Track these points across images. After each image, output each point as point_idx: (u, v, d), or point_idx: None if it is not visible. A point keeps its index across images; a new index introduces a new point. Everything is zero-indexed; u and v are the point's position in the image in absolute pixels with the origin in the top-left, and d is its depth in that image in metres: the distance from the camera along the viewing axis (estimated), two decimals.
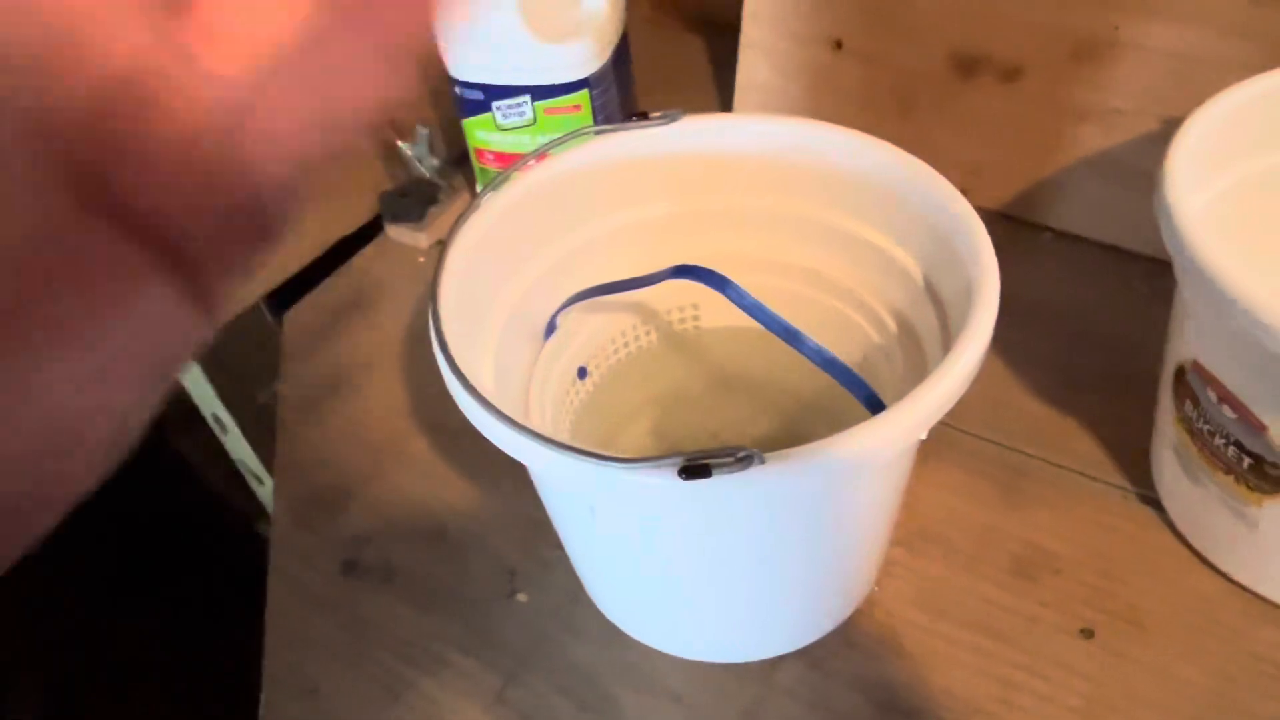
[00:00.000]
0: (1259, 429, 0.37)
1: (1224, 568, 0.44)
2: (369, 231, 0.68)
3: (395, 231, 0.67)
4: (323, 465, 0.54)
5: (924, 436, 0.36)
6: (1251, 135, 0.43)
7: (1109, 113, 0.58)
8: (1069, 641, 0.43)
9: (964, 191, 0.38)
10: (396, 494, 0.52)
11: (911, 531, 0.47)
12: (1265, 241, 0.44)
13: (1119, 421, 0.51)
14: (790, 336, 0.37)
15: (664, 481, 0.29)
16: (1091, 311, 0.57)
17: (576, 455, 0.30)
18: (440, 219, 0.66)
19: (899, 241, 0.41)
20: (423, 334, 0.60)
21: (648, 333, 0.48)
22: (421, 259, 0.66)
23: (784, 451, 0.30)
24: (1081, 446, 0.50)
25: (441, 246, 0.39)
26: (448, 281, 0.37)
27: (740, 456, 0.29)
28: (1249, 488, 0.39)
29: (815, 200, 0.43)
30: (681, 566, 0.38)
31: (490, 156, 0.63)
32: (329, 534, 0.51)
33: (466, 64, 0.59)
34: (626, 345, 0.47)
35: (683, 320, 0.48)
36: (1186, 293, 0.39)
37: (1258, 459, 0.38)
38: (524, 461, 0.33)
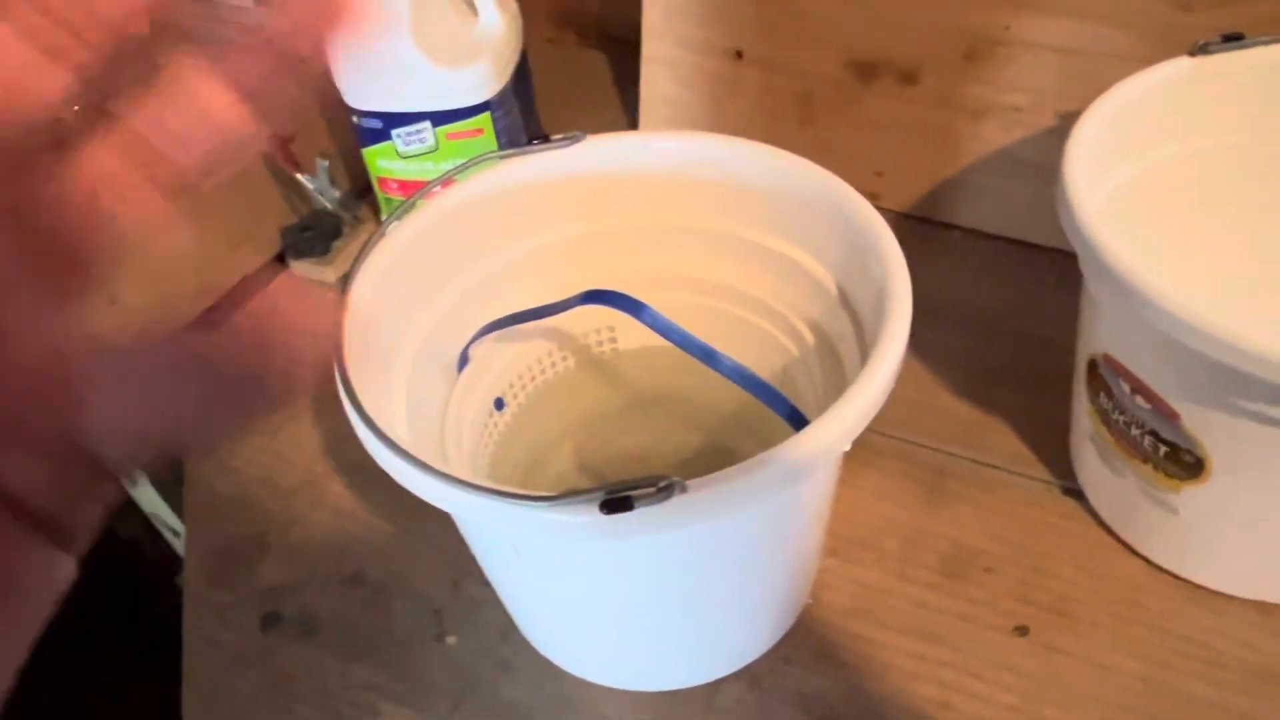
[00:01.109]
0: (1172, 418, 0.38)
1: (1148, 554, 0.44)
2: (273, 269, 0.66)
3: (300, 267, 0.65)
4: (236, 515, 0.52)
5: (847, 448, 0.35)
6: (1147, 127, 0.43)
7: (1007, 110, 0.59)
8: (1003, 639, 0.43)
9: (871, 194, 0.38)
10: (315, 540, 0.50)
11: (842, 540, 0.47)
12: (1166, 230, 0.44)
13: (1037, 415, 0.51)
14: (707, 357, 0.36)
15: (586, 518, 0.28)
16: (1003, 306, 0.58)
17: (493, 496, 0.29)
18: (346, 252, 0.64)
19: (811, 252, 0.41)
20: (333, 372, 0.58)
21: (564, 358, 0.47)
22: (330, 294, 0.64)
23: (706, 478, 0.29)
24: (1002, 442, 0.51)
25: (345, 281, 0.37)
26: (352, 318, 0.36)
27: (662, 486, 0.29)
28: (1167, 475, 0.40)
29: (726, 215, 0.42)
30: (611, 598, 0.37)
31: (394, 185, 0.61)
32: (246, 587, 0.49)
33: (363, 92, 0.57)
34: (543, 372, 0.46)
35: (599, 343, 0.47)
36: (1093, 288, 0.40)
37: (1173, 447, 0.39)
38: (439, 506, 0.31)
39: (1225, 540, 0.41)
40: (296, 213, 0.66)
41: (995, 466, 0.50)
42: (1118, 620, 0.44)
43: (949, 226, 0.63)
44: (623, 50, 0.76)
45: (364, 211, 0.67)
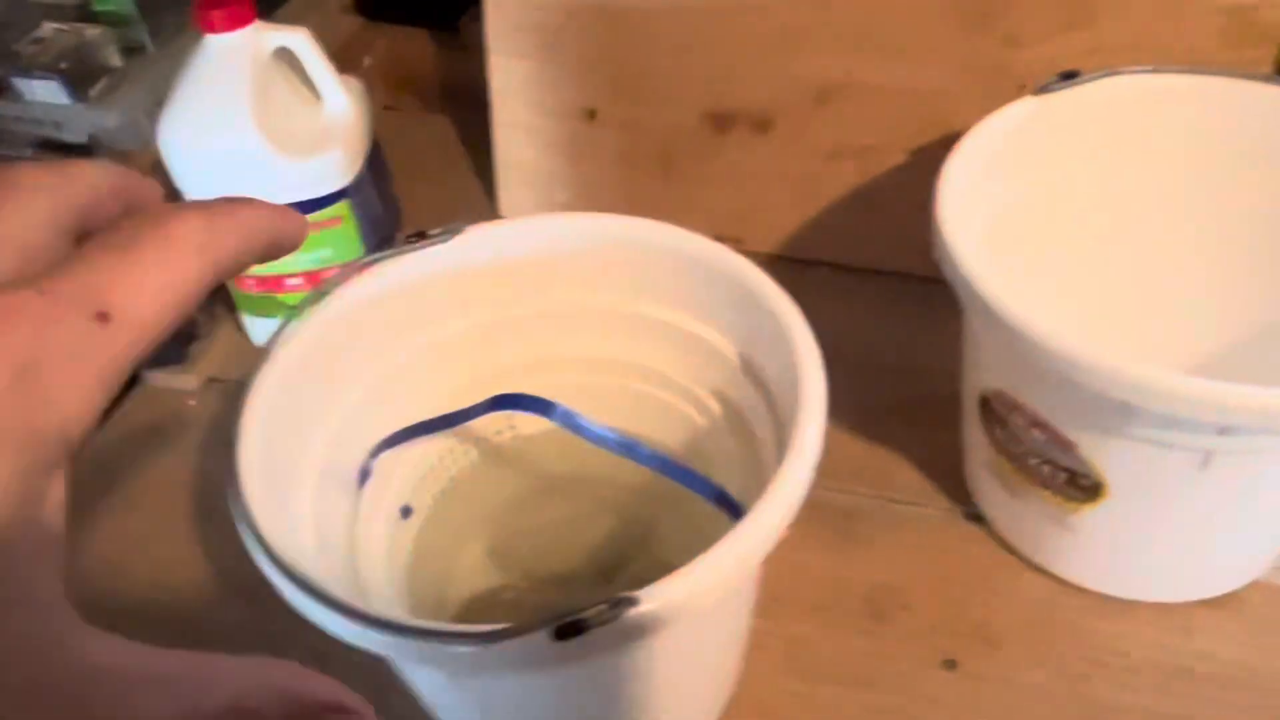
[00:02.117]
0: (1069, 447, 0.39)
1: (1054, 571, 0.46)
2: (125, 384, 0.61)
3: (156, 377, 0.61)
4: None
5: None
6: (1004, 167, 0.45)
7: (860, 150, 0.60)
8: (933, 674, 0.44)
9: (735, 239, 0.39)
10: None
11: (766, 597, 0.47)
12: (1027, 264, 0.46)
13: (930, 444, 0.53)
14: (626, 449, 0.36)
15: (540, 650, 0.27)
16: (877, 338, 0.60)
17: (436, 640, 0.28)
18: (206, 355, 0.61)
19: (708, 323, 0.41)
20: (209, 489, 0.55)
21: (466, 453, 0.45)
22: (192, 402, 0.60)
23: (655, 588, 0.29)
24: (901, 476, 0.52)
25: (231, 392, 0.35)
26: (246, 441, 0.34)
27: (614, 603, 0.28)
28: (1066, 499, 0.42)
29: (617, 291, 0.42)
30: (553, 715, 0.36)
31: (251, 281, 0.58)
32: None
33: (208, 190, 0.54)
34: (446, 470, 0.45)
35: (499, 432, 0.46)
36: (979, 330, 0.41)
37: (1071, 473, 0.40)
38: (376, 652, 0.30)
39: (1124, 552, 0.43)
40: None
41: (899, 501, 0.51)
42: (1037, 639, 0.45)
43: (816, 263, 0.65)
44: (468, 111, 0.75)
45: (219, 310, 0.63)
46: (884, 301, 0.62)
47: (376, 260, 0.40)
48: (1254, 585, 0.46)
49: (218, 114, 0.52)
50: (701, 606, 0.30)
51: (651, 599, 0.28)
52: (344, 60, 0.82)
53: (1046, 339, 0.35)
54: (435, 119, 0.82)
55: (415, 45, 0.85)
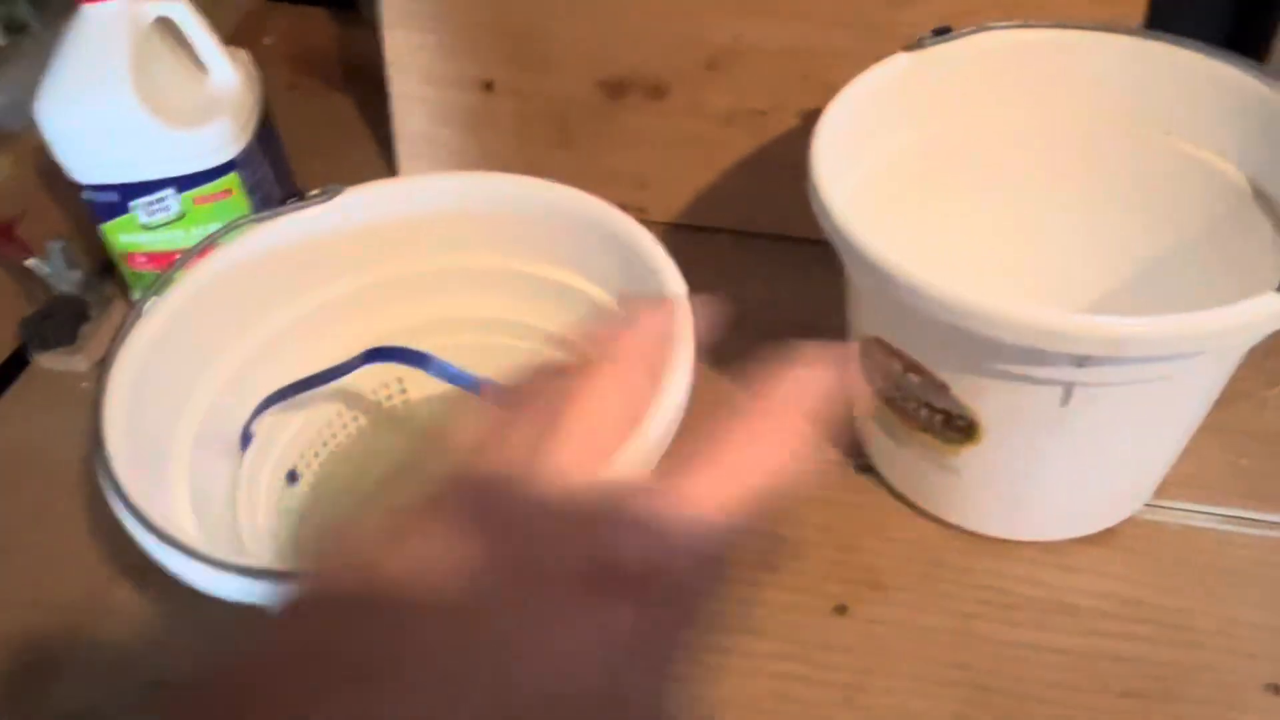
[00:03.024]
0: (942, 389, 0.40)
1: (940, 514, 0.48)
2: (13, 367, 0.60)
3: (46, 359, 0.59)
4: (11, 643, 0.47)
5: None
6: (878, 122, 0.46)
7: (751, 114, 0.61)
8: (825, 621, 0.45)
9: (637, 209, 0.39)
10: (111, 655, 0.46)
11: None
12: (906, 215, 0.47)
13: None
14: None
15: None
16: (774, 301, 0.60)
17: (288, 581, 0.28)
18: (97, 336, 0.60)
19: (589, 277, 0.41)
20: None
21: (355, 418, 0.45)
22: (85, 384, 0.59)
23: None
24: None
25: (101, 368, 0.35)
26: (113, 409, 0.34)
27: None
28: (945, 441, 0.43)
29: (499, 250, 0.42)
30: None
31: (142, 259, 0.57)
32: (38, 717, 0.44)
33: (90, 164, 0.53)
34: (335, 436, 0.45)
35: (390, 397, 0.46)
36: (855, 277, 0.42)
37: (947, 415, 0.41)
38: (241, 600, 0.30)
39: (1002, 492, 0.45)
40: (34, 302, 0.61)
41: None
42: (924, 581, 0.46)
43: (717, 230, 0.65)
44: (369, 89, 0.74)
45: (111, 289, 0.62)
46: (783, 265, 0.63)
47: (257, 220, 0.40)
48: (1129, 521, 0.47)
49: (95, 85, 0.51)
50: None
51: None
52: (245, 38, 0.81)
53: (911, 279, 0.36)
54: (337, 96, 0.81)
55: (316, 23, 0.84)
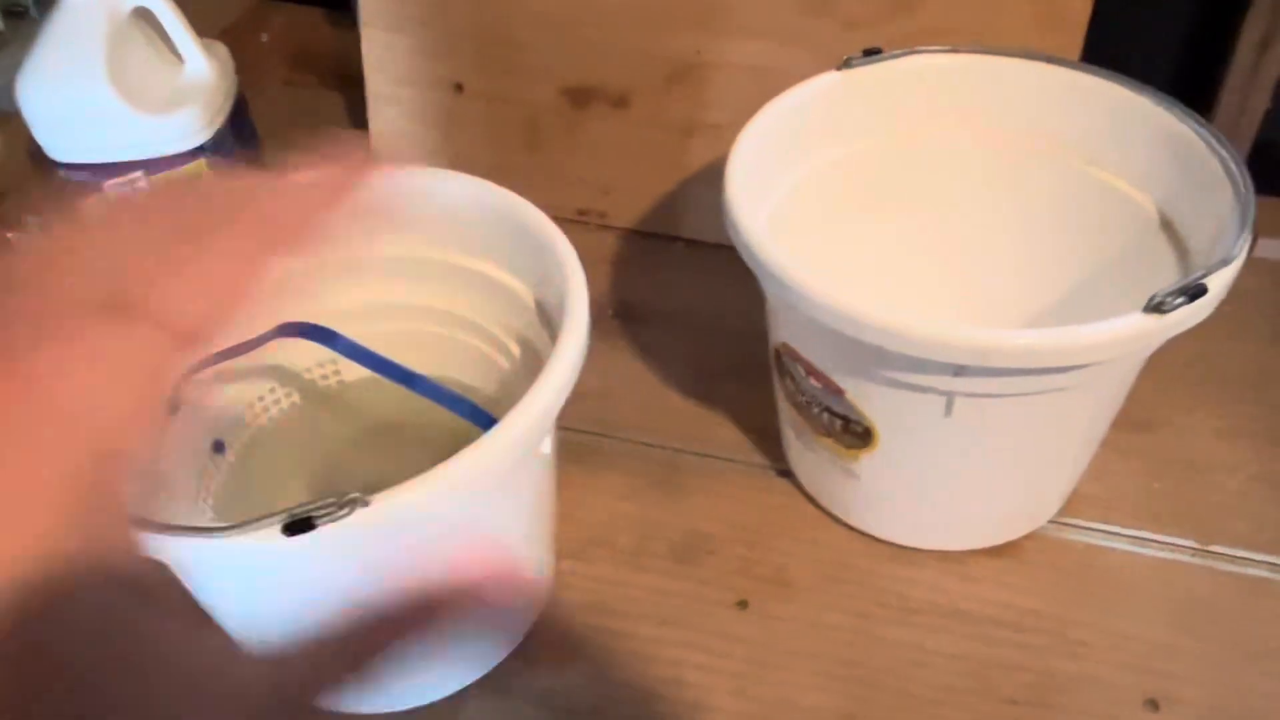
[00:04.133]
0: (838, 393, 0.42)
1: (846, 519, 0.49)
2: None
3: None
4: None
5: (546, 450, 0.38)
6: (806, 136, 0.48)
7: (710, 127, 0.63)
8: (726, 613, 0.47)
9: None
10: None
11: (579, 541, 0.50)
12: (829, 228, 0.49)
13: (753, 407, 0.55)
14: (406, 379, 0.38)
15: (267, 543, 0.29)
16: (722, 310, 0.62)
17: (174, 533, 0.30)
18: None
19: (505, 268, 0.43)
20: None
21: (288, 394, 0.47)
22: None
23: (390, 490, 0.31)
24: (725, 434, 0.55)
25: None
26: None
27: (344, 502, 0.30)
28: (846, 446, 0.44)
29: (424, 241, 0.44)
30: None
31: None
32: None
33: (66, 145, 0.56)
34: (266, 410, 0.47)
35: (324, 376, 0.48)
36: (761, 283, 0.44)
37: (845, 419, 0.43)
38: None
39: (901, 498, 0.46)
40: None
41: (719, 457, 0.54)
42: (828, 582, 0.48)
43: (672, 239, 0.67)
44: (357, 89, 0.77)
45: None
46: (729, 275, 0.64)
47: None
48: (1032, 536, 0.49)
49: (72, 70, 0.54)
50: (437, 511, 0.32)
51: (382, 500, 0.30)
52: (242, 34, 0.84)
53: (801, 285, 0.38)
54: (329, 95, 0.84)
55: (311, 22, 0.87)
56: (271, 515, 0.30)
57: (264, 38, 0.86)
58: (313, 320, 0.44)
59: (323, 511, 0.30)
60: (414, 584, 0.23)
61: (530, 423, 0.33)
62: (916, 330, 0.36)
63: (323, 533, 0.30)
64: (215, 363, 0.41)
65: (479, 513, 0.36)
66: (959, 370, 0.37)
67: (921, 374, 0.38)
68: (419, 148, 0.69)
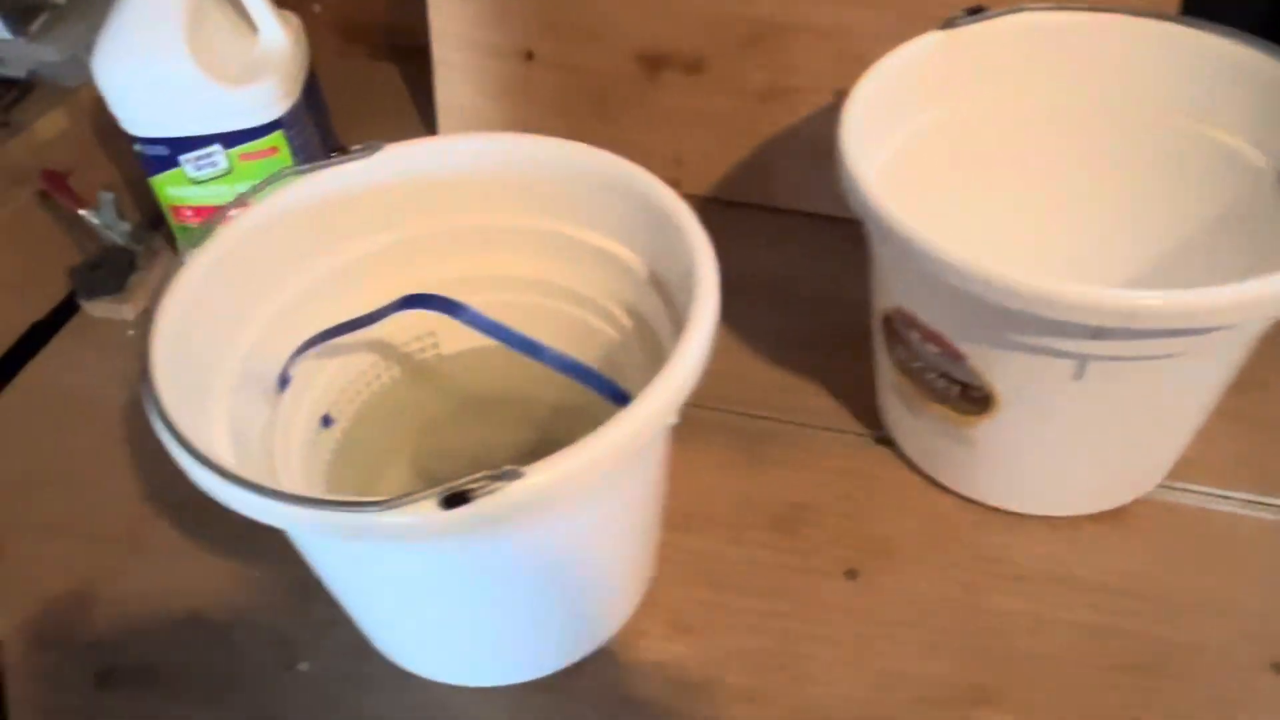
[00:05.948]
0: (959, 359, 0.41)
1: (954, 487, 0.48)
2: (64, 313, 0.62)
3: (94, 307, 0.62)
4: (52, 574, 0.49)
5: (674, 421, 0.37)
6: (909, 98, 0.47)
7: (788, 92, 0.62)
8: (834, 584, 0.46)
9: (672, 182, 0.40)
10: (146, 586, 0.48)
11: (677, 513, 0.49)
12: (934, 189, 0.48)
13: (844, 374, 0.55)
14: (529, 349, 0.37)
15: (427, 517, 0.29)
16: (804, 277, 0.61)
17: (330, 509, 0.29)
18: (144, 286, 0.62)
19: (617, 239, 0.42)
20: (144, 411, 0.56)
21: (389, 368, 0.47)
22: (131, 331, 0.61)
23: (541, 463, 0.30)
24: (816, 403, 0.54)
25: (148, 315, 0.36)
26: (160, 351, 0.35)
27: (498, 475, 0.29)
28: (961, 413, 0.44)
29: (531, 211, 0.44)
30: (464, 595, 0.38)
31: (189, 212, 0.59)
32: (74, 647, 0.46)
33: (143, 119, 0.55)
34: (369, 385, 0.46)
35: (423, 350, 0.47)
36: (879, 248, 0.43)
37: (964, 385, 0.42)
38: (276, 525, 0.31)
39: (1016, 465, 0.45)
40: (85, 252, 0.63)
41: (811, 426, 0.53)
42: (935, 550, 0.47)
43: (749, 206, 0.66)
44: (415, 60, 0.76)
45: (159, 242, 0.64)
46: (806, 240, 0.64)
47: (299, 172, 0.42)
48: (1139, 501, 0.48)
49: (151, 42, 0.53)
50: (585, 483, 0.31)
51: (535, 472, 0.30)
52: (293, 7, 0.83)
53: (932, 247, 0.37)
54: (383, 67, 0.83)
55: None
56: (427, 491, 0.29)
57: (316, 8, 0.85)
58: (419, 290, 0.43)
59: (478, 485, 0.29)
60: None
61: (673, 392, 0.33)
62: (1059, 292, 0.35)
63: (480, 505, 0.29)
64: (339, 335, 0.41)
65: (621, 483, 0.36)
66: (1097, 333, 0.36)
67: (1056, 337, 0.37)
68: (488, 118, 0.68)
